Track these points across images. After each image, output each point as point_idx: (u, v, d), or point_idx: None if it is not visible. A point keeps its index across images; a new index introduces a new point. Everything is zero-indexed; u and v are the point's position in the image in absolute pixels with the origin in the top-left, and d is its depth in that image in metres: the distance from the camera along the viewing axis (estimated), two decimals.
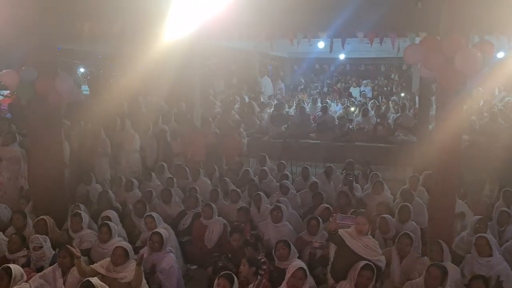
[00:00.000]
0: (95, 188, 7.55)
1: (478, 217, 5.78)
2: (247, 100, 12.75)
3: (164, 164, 8.71)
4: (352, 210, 6.19)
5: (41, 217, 5.66)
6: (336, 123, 10.55)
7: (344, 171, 8.91)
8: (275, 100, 13.34)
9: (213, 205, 6.44)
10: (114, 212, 6.03)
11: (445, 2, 4.56)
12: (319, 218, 5.79)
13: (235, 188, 7.34)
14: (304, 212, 7.30)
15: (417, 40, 7.09)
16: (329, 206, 6.38)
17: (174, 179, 7.90)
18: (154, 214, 5.98)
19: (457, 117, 4.93)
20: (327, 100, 13.87)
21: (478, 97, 11.93)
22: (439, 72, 4.46)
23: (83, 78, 17.36)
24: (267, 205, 6.85)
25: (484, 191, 7.76)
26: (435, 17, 5.03)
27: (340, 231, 4.52)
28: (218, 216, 6.50)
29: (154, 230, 5.36)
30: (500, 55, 11.69)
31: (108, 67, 15.77)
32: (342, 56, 16.14)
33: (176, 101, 11.34)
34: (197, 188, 7.49)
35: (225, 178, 7.88)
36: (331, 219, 4.53)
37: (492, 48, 4.48)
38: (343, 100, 14.44)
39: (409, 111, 10.99)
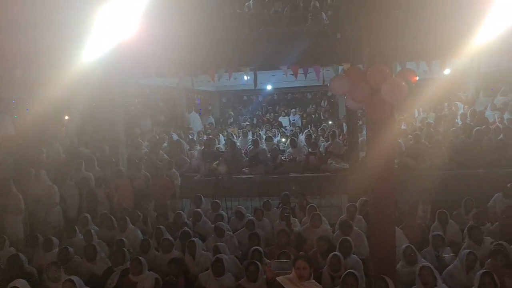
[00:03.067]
0: (8, 253, 6.63)
1: (406, 245, 5.73)
2: (175, 138, 12.25)
3: (88, 215, 7.97)
4: (292, 250, 5.89)
5: None
6: (268, 155, 10.36)
7: (280, 205, 8.70)
8: (205, 136, 12.97)
9: (142, 258, 5.84)
10: (23, 281, 5.23)
11: (366, 32, 4.53)
12: (257, 262, 5.42)
13: (167, 237, 6.78)
14: (242, 253, 6.93)
15: (340, 69, 7.23)
16: (258, 248, 6.02)
17: (93, 231, 7.23)
18: (74, 278, 5.28)
19: (387, 144, 4.87)
20: (259, 132, 13.73)
21: (400, 120, 12.41)
22: (366, 103, 4.38)
23: None
24: (203, 251, 6.39)
25: (418, 213, 7.84)
26: (357, 47, 5.03)
27: (279, 279, 4.17)
28: (150, 269, 5.93)
29: None
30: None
31: (24, 111, 14.64)
32: (269, 87, 16.26)
33: (99, 145, 10.64)
34: (124, 239, 6.87)
35: (160, 226, 7.33)
36: (265, 267, 4.20)
37: (414, 75, 4.48)
38: (273, 130, 14.37)
39: (338, 138, 11.07)
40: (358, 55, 4.99)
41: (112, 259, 6.26)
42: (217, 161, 10.36)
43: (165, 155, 10.65)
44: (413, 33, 5.20)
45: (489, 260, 5.42)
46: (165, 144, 11.82)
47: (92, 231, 7.21)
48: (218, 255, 5.78)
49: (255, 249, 6.02)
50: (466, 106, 13.83)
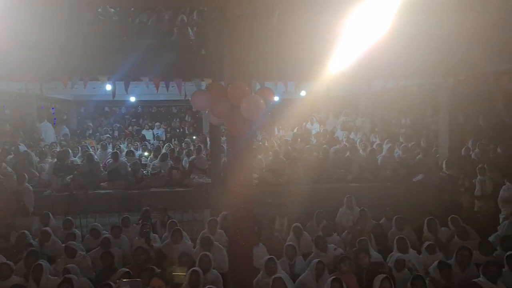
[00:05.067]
0: None
1: (268, 257, 5.97)
2: (22, 149, 11.01)
3: None
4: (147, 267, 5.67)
5: None
6: (129, 169, 9.92)
7: (140, 221, 8.38)
8: (59, 147, 11.92)
9: None
10: None
11: (228, 51, 4.64)
12: (111, 283, 5.09)
13: (4, 261, 5.99)
14: (96, 274, 6.46)
15: (203, 85, 7.31)
16: (129, 270, 5.71)
17: None
18: None
19: (246, 159, 5.02)
20: (120, 145, 13.10)
21: (263, 137, 13.05)
22: (226, 118, 4.46)
23: None
24: (50, 276, 5.78)
25: (275, 225, 8.22)
26: (219, 64, 5.13)
27: None
28: None
29: None
30: (276, 98, 13.10)
31: None
32: (132, 99, 15.69)
33: None
34: None
35: None
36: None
37: (272, 93, 4.72)
38: (136, 144, 13.85)
39: (202, 153, 11.12)
40: (221, 71, 5.08)
41: None
42: (71, 175, 9.57)
43: (9, 168, 9.48)
44: (272, 55, 5.50)
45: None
46: (11, 156, 10.55)
47: None
48: (66, 275, 5.29)
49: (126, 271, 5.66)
50: (321, 126, 15.13)
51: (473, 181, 9.16)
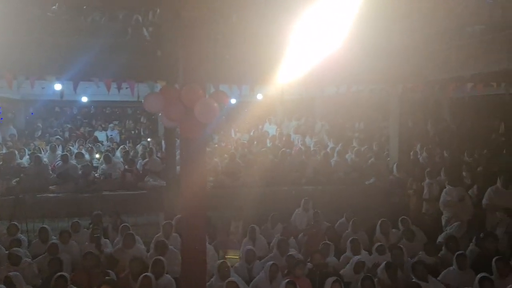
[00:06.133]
0: None
1: (221, 260, 5.97)
2: None
3: None
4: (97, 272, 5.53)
5: None
6: (80, 172, 9.61)
7: (91, 225, 8.12)
8: (4, 149, 11.38)
9: None
10: None
11: (182, 53, 4.60)
12: None
13: None
14: (43, 281, 6.20)
15: (157, 86, 7.21)
16: (64, 274, 5.53)
17: None
18: None
19: (200, 162, 4.99)
20: (69, 147, 12.65)
21: (220, 140, 13.03)
22: (179, 121, 4.42)
23: None
24: None
25: (231, 228, 8.20)
26: (173, 66, 5.08)
27: None
28: None
29: None
30: (233, 101, 13.11)
31: None
32: (84, 99, 15.18)
33: None
34: None
35: None
36: None
37: (226, 97, 4.73)
38: (88, 146, 13.41)
39: (156, 156, 10.95)
40: (175, 74, 5.03)
41: None
42: (18, 178, 9.15)
43: None
44: (227, 58, 5.51)
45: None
46: None
47: None
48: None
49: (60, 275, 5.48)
50: (278, 129, 15.28)
51: (422, 184, 9.52)
